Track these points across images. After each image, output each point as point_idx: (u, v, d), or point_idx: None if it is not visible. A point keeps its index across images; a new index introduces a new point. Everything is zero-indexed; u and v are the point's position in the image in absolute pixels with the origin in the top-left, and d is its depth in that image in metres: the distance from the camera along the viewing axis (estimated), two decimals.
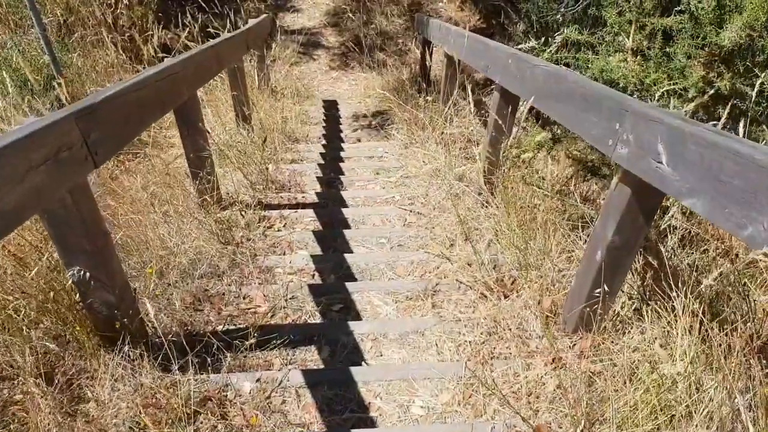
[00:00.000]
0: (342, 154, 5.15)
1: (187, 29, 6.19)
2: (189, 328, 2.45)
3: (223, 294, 2.72)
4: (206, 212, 3.14)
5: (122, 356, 2.03)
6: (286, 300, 2.72)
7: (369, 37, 8.12)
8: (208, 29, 6.35)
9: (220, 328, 2.49)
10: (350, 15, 8.39)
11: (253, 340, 2.24)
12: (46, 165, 1.42)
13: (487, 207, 3.36)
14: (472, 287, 2.78)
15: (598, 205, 3.05)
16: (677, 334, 1.94)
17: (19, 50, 4.81)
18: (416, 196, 3.99)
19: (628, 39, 2.59)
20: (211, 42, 3.33)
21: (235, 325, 2.52)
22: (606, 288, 2.08)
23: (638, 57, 2.59)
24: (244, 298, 2.73)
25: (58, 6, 5.51)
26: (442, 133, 4.60)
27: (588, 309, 2.17)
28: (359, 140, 5.78)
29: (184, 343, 2.18)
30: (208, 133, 3.31)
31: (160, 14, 6.49)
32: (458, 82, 4.61)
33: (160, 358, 2.07)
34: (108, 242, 1.95)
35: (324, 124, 6.21)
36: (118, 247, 2.69)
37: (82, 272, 1.89)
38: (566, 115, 2.19)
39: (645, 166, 1.60)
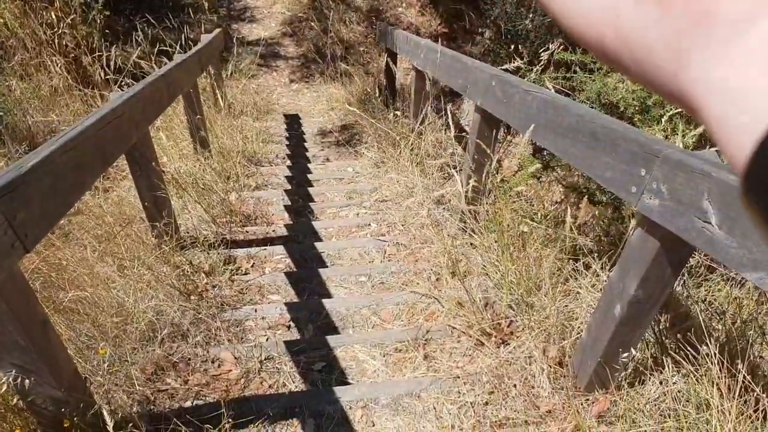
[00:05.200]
0: (310, 176, 4.85)
1: (139, 46, 5.82)
2: (152, 406, 2.14)
3: (189, 359, 2.40)
4: (165, 261, 2.82)
5: None
6: (260, 361, 2.42)
7: (329, 46, 7.82)
8: (161, 45, 5.98)
9: (187, 404, 2.18)
10: (309, 23, 8.07)
11: (227, 424, 1.94)
12: None
13: (471, 236, 3.11)
14: (466, 333, 2.53)
15: (593, 234, 2.84)
16: (712, 395, 1.72)
17: None
18: (394, 222, 3.72)
19: None
20: (161, 70, 2.99)
21: (204, 398, 2.22)
22: (626, 343, 1.86)
23: None
24: (212, 362, 2.42)
25: None
26: (416, 149, 4.35)
27: (604, 364, 1.94)
28: (327, 159, 5.49)
29: None
30: (164, 171, 2.99)
31: (107, 31, 6.07)
32: (429, 94, 4.37)
33: None
34: (47, 331, 1.64)
35: (287, 143, 5.89)
36: (67, 315, 2.36)
37: (20, 372, 1.58)
38: (570, 153, 1.94)
39: (685, 224, 1.36)
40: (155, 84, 2.75)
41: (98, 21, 5.67)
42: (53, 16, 5.29)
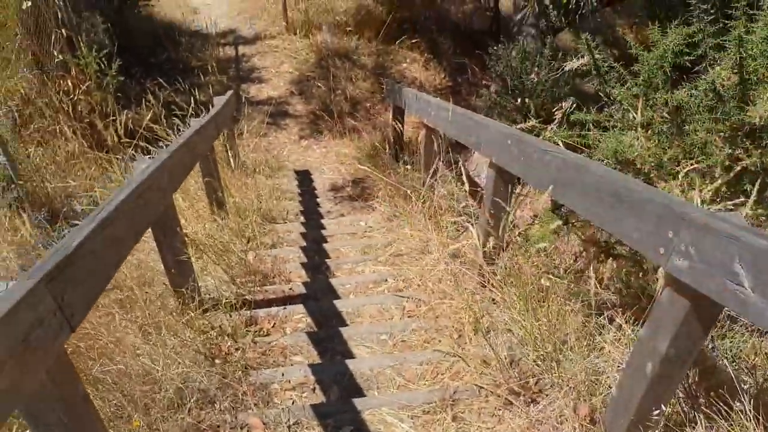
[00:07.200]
0: (324, 232, 4.90)
1: (151, 110, 5.96)
2: None
3: (218, 425, 2.40)
4: (189, 325, 2.84)
5: None
6: (288, 426, 2.41)
7: (337, 103, 7.99)
8: (172, 107, 6.12)
9: None
10: (316, 82, 8.28)
11: None
12: (12, 360, 1.14)
13: (491, 291, 3.13)
14: (493, 392, 2.52)
15: (614, 287, 2.85)
16: None
17: None
18: (411, 278, 3.74)
19: (637, 114, 2.44)
20: (181, 138, 3.08)
21: None
22: (658, 400, 1.86)
23: (648, 132, 2.44)
24: (241, 428, 2.41)
25: (11, 98, 5.21)
26: (428, 203, 4.39)
27: (637, 422, 1.93)
28: (341, 214, 5.55)
29: None
30: (186, 235, 3.04)
31: (119, 95, 6.22)
32: (440, 149, 4.45)
33: None
34: (87, 406, 1.65)
35: (300, 199, 5.97)
36: (96, 385, 2.37)
37: None
38: (594, 212, 1.99)
39: (716, 287, 1.39)
40: (179, 152, 2.83)
41: (111, 86, 5.82)
42: (69, 84, 5.45)
